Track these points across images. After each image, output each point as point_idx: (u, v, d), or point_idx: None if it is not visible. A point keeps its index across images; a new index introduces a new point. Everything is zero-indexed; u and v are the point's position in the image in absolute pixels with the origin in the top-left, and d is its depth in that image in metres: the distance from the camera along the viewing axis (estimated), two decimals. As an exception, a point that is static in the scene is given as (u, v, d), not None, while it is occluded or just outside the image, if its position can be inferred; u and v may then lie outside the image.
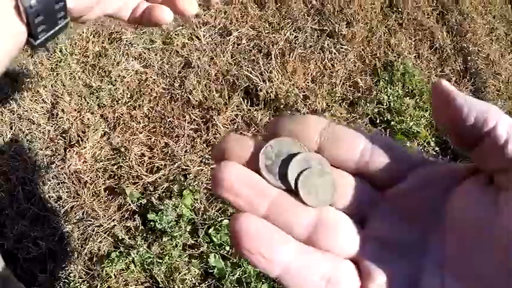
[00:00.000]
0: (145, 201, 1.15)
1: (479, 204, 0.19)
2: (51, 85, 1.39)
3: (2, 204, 1.32)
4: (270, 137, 0.21)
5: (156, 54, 1.27)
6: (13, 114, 1.39)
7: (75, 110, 1.33)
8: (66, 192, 1.26)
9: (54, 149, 1.31)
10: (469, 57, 1.80)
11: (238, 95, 1.20)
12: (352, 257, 0.21)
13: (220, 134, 1.16)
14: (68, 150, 1.28)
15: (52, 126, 1.34)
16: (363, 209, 0.21)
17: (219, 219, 1.12)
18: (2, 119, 1.41)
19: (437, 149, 1.44)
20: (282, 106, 1.20)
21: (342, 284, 0.20)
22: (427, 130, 1.43)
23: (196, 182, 1.12)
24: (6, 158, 1.35)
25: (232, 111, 1.18)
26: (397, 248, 0.20)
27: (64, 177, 1.27)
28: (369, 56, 1.44)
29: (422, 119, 1.39)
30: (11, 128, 1.40)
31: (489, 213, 0.18)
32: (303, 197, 0.21)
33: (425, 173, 0.21)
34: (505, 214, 0.18)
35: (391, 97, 1.36)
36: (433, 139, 1.44)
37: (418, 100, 1.43)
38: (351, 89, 1.33)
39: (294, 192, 0.21)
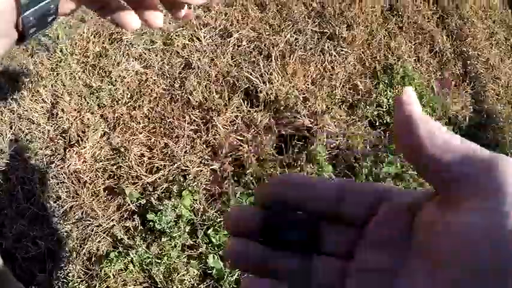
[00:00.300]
0: (145, 201, 1.15)
1: (436, 223, 0.21)
2: (51, 85, 1.39)
3: (1, 204, 1.32)
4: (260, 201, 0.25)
5: (156, 55, 1.28)
6: (13, 113, 1.39)
7: (75, 110, 1.33)
8: (66, 192, 1.26)
9: (53, 148, 1.32)
10: (468, 61, 1.81)
11: (238, 96, 1.20)
12: None
13: (220, 134, 1.16)
14: (67, 150, 1.28)
15: (52, 126, 1.35)
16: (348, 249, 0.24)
17: (218, 220, 1.12)
18: (1, 119, 1.41)
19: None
20: (281, 108, 1.20)
21: None
22: (427, 133, 1.43)
23: (196, 183, 1.12)
24: (6, 158, 1.35)
25: (232, 113, 1.18)
26: (377, 275, 0.23)
27: (63, 177, 1.27)
28: (369, 59, 1.44)
29: (421, 122, 1.39)
30: (11, 128, 1.40)
31: (444, 228, 0.20)
32: None
33: (392, 205, 0.23)
34: (455, 223, 0.20)
35: (390, 100, 1.36)
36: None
37: (417, 103, 1.44)
38: (351, 91, 1.34)
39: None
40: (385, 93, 1.37)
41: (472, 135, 1.61)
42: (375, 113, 1.32)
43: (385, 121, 1.33)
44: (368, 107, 1.31)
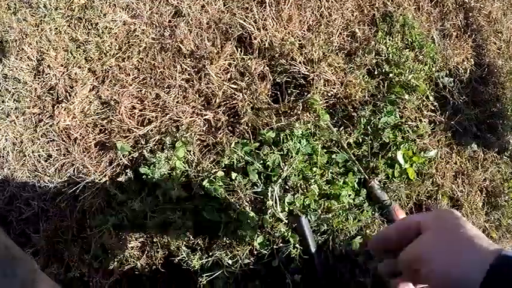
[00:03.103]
0: (137, 154, 1.11)
1: None
2: (36, 42, 1.33)
3: (-9, 168, 1.28)
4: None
5: (144, 4, 1.21)
6: (-2, 74, 1.33)
7: (62, 65, 1.27)
8: (56, 149, 1.22)
9: (41, 106, 1.27)
10: (470, 13, 1.74)
11: (231, 43, 1.15)
12: None
13: (213, 83, 1.11)
14: (56, 106, 1.23)
15: (39, 83, 1.29)
16: None
17: (213, 171, 1.08)
18: (-13, 81, 1.36)
19: (436, 104, 1.40)
20: (277, 55, 1.15)
21: None
22: (426, 84, 1.39)
23: (189, 133, 1.08)
24: (-7, 120, 1.31)
25: (225, 60, 1.13)
26: None
27: (53, 135, 1.23)
28: (367, 6, 1.38)
29: (421, 73, 1.35)
30: (-3, 89, 1.35)
31: None
32: None
33: None
34: None
35: (389, 48, 1.31)
36: (432, 93, 1.40)
37: (417, 53, 1.38)
38: (349, 38, 1.28)
39: None
40: (384, 41, 1.31)
41: (472, 89, 1.56)
42: (374, 61, 1.27)
43: (383, 70, 1.28)
44: (366, 55, 1.26)
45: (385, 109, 1.23)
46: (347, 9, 1.30)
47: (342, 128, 1.16)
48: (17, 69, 1.33)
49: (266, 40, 1.14)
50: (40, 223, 1.20)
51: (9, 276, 0.63)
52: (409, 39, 1.36)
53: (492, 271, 0.46)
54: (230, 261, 1.06)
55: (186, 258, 1.05)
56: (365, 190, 1.16)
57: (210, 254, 1.06)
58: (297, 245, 1.08)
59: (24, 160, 1.25)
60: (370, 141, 1.20)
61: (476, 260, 0.46)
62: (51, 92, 1.26)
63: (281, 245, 1.09)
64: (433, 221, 0.50)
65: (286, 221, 1.08)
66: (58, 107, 1.22)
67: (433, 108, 1.37)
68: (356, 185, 1.15)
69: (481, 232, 0.51)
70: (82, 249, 1.15)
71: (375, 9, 1.37)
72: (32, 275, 0.70)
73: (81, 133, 1.18)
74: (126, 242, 1.11)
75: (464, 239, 0.49)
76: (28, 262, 0.72)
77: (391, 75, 1.29)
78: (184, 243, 1.07)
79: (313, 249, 1.08)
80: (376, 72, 1.28)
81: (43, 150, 1.23)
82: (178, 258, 1.07)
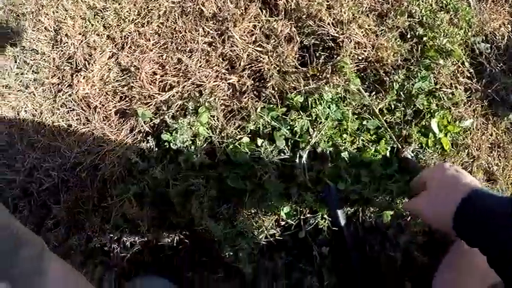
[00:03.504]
0: (159, 121, 1.07)
1: None
2: (53, 12, 1.30)
3: (12, 139, 1.27)
4: None
5: (163, -33, 1.16)
6: (16, 47, 1.31)
7: (80, 33, 1.24)
8: (76, 119, 1.19)
9: (60, 76, 1.24)
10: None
11: (255, 4, 1.09)
12: None
13: (237, 46, 1.06)
14: (75, 75, 1.20)
15: (57, 53, 1.26)
16: None
17: (238, 137, 1.03)
18: (5, 54, 1.34)
19: (471, 70, 1.32)
20: (304, 16, 1.08)
21: None
22: (462, 50, 1.30)
23: (213, 98, 1.03)
24: (13, 93, 1.29)
25: (249, 22, 1.07)
26: None
27: (73, 104, 1.20)
28: (398, -32, 1.29)
29: (457, 37, 1.26)
30: (15, 61, 1.33)
31: None
32: None
33: None
34: None
35: (423, 10, 1.23)
36: (468, 60, 1.31)
37: (452, 16, 1.30)
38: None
39: None
40: (417, 2, 1.23)
41: (510, 57, 1.46)
42: (406, 24, 1.19)
43: (417, 33, 1.20)
44: (399, 17, 1.18)
45: (419, 74, 1.15)
46: (377, -30, 1.23)
47: (374, 93, 1.09)
48: (34, 40, 1.30)
49: (292, 0, 1.08)
50: (60, 194, 1.18)
51: (13, 260, 0.59)
52: (443, 1, 1.28)
53: (463, 203, 0.61)
54: (255, 232, 1.02)
55: (210, 228, 1.01)
56: (397, 160, 1.10)
57: (235, 223, 1.02)
58: (325, 216, 1.03)
59: (44, 131, 1.23)
60: (402, 108, 1.13)
61: (456, 195, 0.63)
62: (69, 61, 1.23)
63: (308, 215, 1.03)
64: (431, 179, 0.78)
65: (315, 190, 1.02)
66: (77, 75, 1.19)
67: (468, 75, 1.28)
68: (388, 154, 1.08)
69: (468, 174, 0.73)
70: (103, 219, 1.13)
71: (407, -30, 1.28)
72: (39, 256, 0.66)
73: (100, 101, 1.15)
74: (147, 211, 1.07)
75: (451, 183, 0.70)
76: (36, 243, 0.68)
77: (425, 38, 1.21)
78: (208, 212, 1.03)
79: (342, 221, 1.03)
80: (409, 36, 1.20)
81: (63, 120, 1.20)
82: (201, 227, 1.02)
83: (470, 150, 1.22)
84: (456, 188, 0.67)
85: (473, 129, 1.26)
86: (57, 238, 1.15)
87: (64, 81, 1.22)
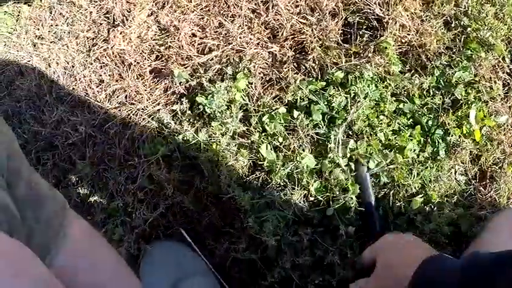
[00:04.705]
0: (195, 83, 1.05)
1: None
2: (94, -35, 1.28)
3: (41, 91, 1.25)
4: None
5: None
6: (52, -2, 1.29)
7: (120, -11, 1.22)
8: (109, 75, 1.18)
9: (96, 30, 1.22)
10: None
11: (303, -25, 1.07)
12: None
13: (281, 15, 1.04)
14: (111, 30, 1.18)
15: (95, 7, 1.25)
16: None
17: (274, 107, 1.02)
18: (41, 5, 1.32)
19: (511, 67, 1.29)
20: (351, -9, 1.06)
21: None
22: (504, 45, 1.27)
23: (252, 65, 1.01)
24: (45, 44, 1.27)
25: (295, -7, 1.05)
26: None
27: (107, 60, 1.18)
28: (446, -43, 1.26)
29: (501, 31, 1.24)
30: (50, 13, 1.31)
31: None
32: None
33: None
34: None
35: (470, 1, 1.20)
36: (509, 56, 1.29)
37: (498, 10, 1.27)
38: (427, -14, 1.18)
39: None
40: (465, -9, 1.20)
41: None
42: (452, 12, 1.17)
43: (462, 23, 1.18)
44: (445, 5, 1.15)
45: (460, 64, 1.13)
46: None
47: (414, 77, 1.07)
48: (71, -8, 1.28)
49: (341, -25, 1.05)
50: (86, 149, 1.17)
51: (33, 217, 0.58)
52: (491, -7, 1.25)
53: (416, 274, 0.63)
54: (283, 205, 1.01)
55: (237, 197, 1.00)
56: (431, 147, 1.08)
57: (263, 194, 1.01)
58: (354, 196, 1.01)
59: (75, 85, 1.21)
60: (440, 96, 1.11)
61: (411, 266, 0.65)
62: (107, 16, 1.21)
63: (338, 193, 1.02)
64: (381, 253, 0.79)
65: (347, 169, 1.01)
66: (114, 30, 1.17)
67: (508, 71, 1.26)
68: (422, 140, 1.07)
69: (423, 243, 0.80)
70: (128, 178, 1.12)
71: (456, -42, 1.25)
72: (61, 213, 0.64)
73: (136, 59, 1.13)
74: (174, 174, 1.06)
75: (404, 254, 0.74)
76: (57, 200, 0.66)
77: (468, 29, 1.18)
78: (236, 180, 1.01)
79: (372, 202, 1.01)
80: (453, 25, 1.17)
81: (95, 75, 1.19)
82: (228, 195, 1.01)
83: (503, 146, 1.21)
84: (404, 263, 0.69)
85: (507, 125, 1.24)
86: (79, 194, 1.14)
87: (100, 35, 1.20)
